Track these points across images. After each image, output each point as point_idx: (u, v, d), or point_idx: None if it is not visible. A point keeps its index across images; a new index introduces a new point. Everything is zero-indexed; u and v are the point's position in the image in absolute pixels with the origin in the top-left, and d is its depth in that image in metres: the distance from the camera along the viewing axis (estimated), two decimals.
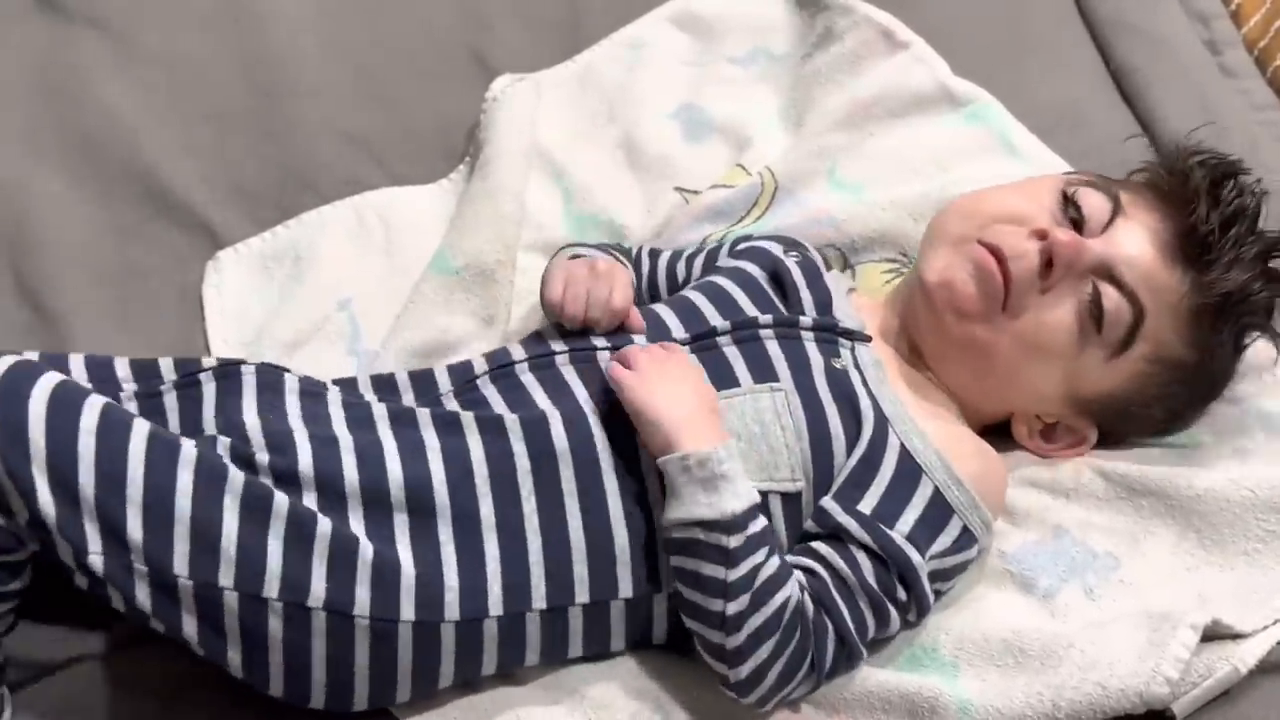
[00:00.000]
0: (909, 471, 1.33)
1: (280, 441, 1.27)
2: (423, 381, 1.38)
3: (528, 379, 1.35)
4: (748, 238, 1.56)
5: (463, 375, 1.38)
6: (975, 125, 1.70)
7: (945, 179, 1.62)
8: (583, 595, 1.28)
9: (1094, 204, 1.41)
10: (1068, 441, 1.46)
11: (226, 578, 1.20)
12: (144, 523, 1.19)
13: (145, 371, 1.35)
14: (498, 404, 1.33)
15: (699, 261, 1.56)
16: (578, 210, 1.71)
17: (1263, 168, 1.48)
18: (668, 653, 1.35)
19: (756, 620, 1.24)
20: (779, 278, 1.47)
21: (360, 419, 1.31)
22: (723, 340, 1.38)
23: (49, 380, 1.21)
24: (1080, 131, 1.72)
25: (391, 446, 1.28)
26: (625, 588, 1.29)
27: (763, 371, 1.36)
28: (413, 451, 1.28)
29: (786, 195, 1.66)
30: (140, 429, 1.21)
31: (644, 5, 1.90)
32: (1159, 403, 1.43)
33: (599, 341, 1.39)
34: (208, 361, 1.35)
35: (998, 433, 1.46)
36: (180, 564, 1.19)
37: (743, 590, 1.23)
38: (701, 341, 1.39)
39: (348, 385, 1.38)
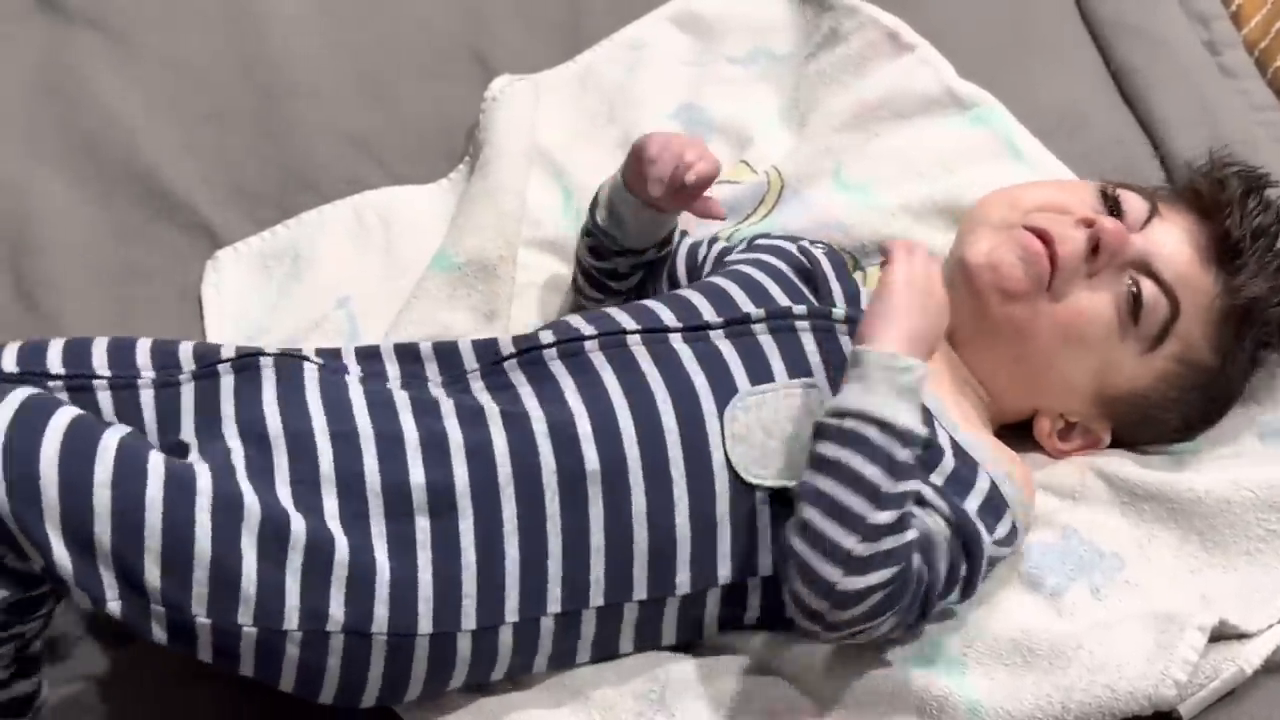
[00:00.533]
0: (967, 464, 1.32)
1: (301, 444, 1.25)
2: (447, 356, 1.34)
3: (556, 367, 1.32)
4: (766, 235, 1.56)
5: (489, 354, 1.33)
6: (980, 128, 1.70)
7: (950, 181, 1.62)
8: (597, 598, 1.28)
9: (1133, 203, 1.43)
10: (1082, 443, 1.46)
11: (245, 616, 1.19)
12: (162, 570, 1.18)
13: (164, 358, 1.32)
14: (527, 395, 1.30)
15: (716, 249, 1.55)
16: (578, 207, 1.70)
17: (1263, 168, 1.48)
18: (674, 653, 1.34)
19: (892, 542, 1.19)
20: (805, 271, 1.45)
21: (381, 405, 1.28)
22: (758, 328, 1.36)
23: (59, 422, 1.19)
24: (1081, 133, 1.72)
25: (414, 440, 1.26)
26: (640, 590, 1.29)
27: (797, 366, 1.33)
28: (436, 448, 1.26)
29: (793, 194, 1.66)
30: (155, 471, 1.19)
31: (644, 5, 1.89)
32: (1176, 408, 1.44)
33: (629, 324, 1.35)
34: (226, 352, 1.32)
35: (1007, 440, 1.45)
36: (198, 606, 1.19)
37: (894, 505, 1.19)
38: (734, 327, 1.35)
39: (369, 356, 1.34)
